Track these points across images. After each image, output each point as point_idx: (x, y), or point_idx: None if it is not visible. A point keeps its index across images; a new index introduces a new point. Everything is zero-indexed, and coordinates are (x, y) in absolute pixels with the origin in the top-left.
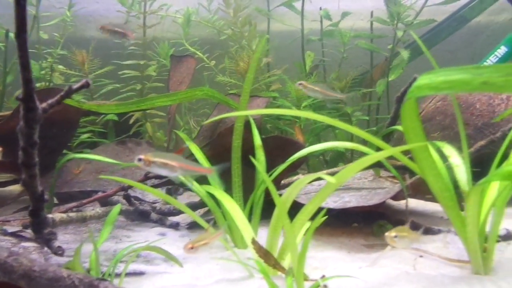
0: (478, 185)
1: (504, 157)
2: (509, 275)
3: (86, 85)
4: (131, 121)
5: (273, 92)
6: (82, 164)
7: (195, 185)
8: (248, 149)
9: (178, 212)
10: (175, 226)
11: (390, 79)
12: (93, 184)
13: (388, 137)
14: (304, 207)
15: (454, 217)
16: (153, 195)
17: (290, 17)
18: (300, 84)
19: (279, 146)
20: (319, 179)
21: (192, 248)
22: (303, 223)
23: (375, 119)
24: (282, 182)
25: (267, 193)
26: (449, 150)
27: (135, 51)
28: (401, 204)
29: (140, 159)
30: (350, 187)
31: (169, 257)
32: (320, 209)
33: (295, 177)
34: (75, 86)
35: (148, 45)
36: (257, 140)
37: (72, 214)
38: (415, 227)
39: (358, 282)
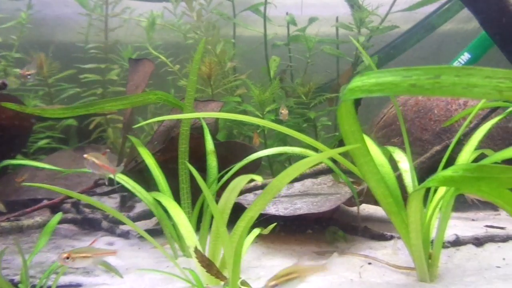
0: (417, 190)
1: (451, 162)
2: (454, 283)
3: (2, 86)
4: (91, 126)
5: (237, 96)
6: (26, 173)
7: (141, 193)
8: (202, 154)
9: (133, 220)
10: (125, 235)
11: None
12: (45, 192)
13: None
14: (244, 214)
15: (399, 223)
16: (108, 202)
17: (262, 23)
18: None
19: (232, 151)
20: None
21: (67, 258)
22: (244, 230)
23: None
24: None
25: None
26: (399, 155)
27: (97, 55)
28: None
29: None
30: (308, 193)
31: (109, 268)
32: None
33: (252, 184)
34: None
35: (110, 49)
36: (209, 145)
37: (4, 224)
38: (365, 233)
39: None
